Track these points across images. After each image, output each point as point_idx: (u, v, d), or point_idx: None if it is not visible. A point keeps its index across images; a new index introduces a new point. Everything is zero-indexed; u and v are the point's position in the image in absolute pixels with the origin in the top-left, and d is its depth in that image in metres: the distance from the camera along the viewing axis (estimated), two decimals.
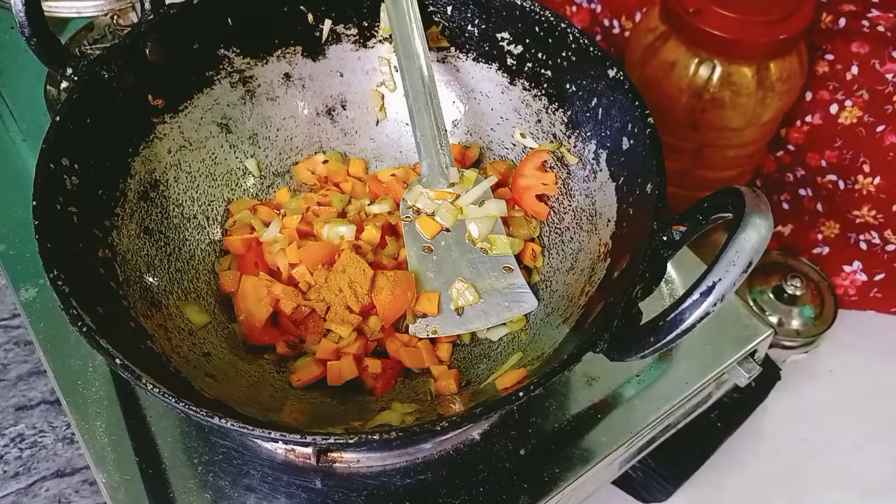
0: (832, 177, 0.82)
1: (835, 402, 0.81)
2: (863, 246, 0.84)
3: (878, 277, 0.85)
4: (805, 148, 0.80)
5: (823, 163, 0.81)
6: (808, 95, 0.82)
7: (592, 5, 0.94)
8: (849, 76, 0.79)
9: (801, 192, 0.86)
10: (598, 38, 0.96)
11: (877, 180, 0.79)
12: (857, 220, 0.81)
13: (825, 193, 0.83)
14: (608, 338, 0.47)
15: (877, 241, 0.82)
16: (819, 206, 0.85)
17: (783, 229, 0.89)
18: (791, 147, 0.79)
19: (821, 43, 0.81)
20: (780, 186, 0.87)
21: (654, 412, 0.62)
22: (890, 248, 0.82)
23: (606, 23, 0.93)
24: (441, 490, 0.57)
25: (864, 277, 0.85)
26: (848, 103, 0.79)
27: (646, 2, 0.88)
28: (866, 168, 0.79)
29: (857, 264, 0.85)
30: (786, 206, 0.88)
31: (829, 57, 0.80)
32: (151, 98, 0.62)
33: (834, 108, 0.81)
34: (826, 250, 0.87)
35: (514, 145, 0.68)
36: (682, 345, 0.66)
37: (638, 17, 0.90)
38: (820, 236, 0.86)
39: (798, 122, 0.83)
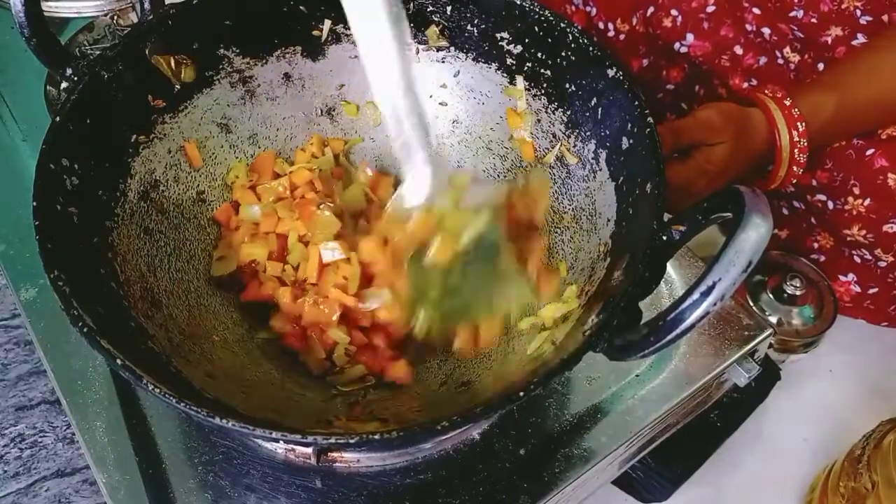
0: (822, 196, 0.82)
1: (835, 403, 0.81)
2: (857, 259, 0.84)
3: (871, 291, 0.85)
4: None
5: (814, 182, 0.81)
6: None
7: (588, 8, 0.94)
8: None
9: (796, 204, 0.86)
10: None
11: (867, 202, 0.79)
12: (849, 238, 0.82)
13: (816, 211, 0.84)
14: (608, 338, 0.47)
15: (869, 256, 0.82)
16: (813, 220, 0.85)
17: (780, 233, 0.89)
18: None
19: (813, 73, 0.81)
20: (778, 193, 0.87)
21: (654, 412, 0.62)
22: (882, 263, 0.82)
23: (602, 26, 0.93)
24: (441, 490, 0.57)
25: (858, 289, 0.85)
26: None
27: (640, 5, 0.88)
28: (856, 190, 0.79)
29: (851, 276, 0.85)
30: (785, 211, 0.88)
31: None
32: (151, 98, 0.62)
33: None
34: (822, 258, 0.87)
35: (515, 145, 0.68)
36: (682, 345, 0.66)
37: (634, 20, 0.89)
38: (816, 245, 0.86)
39: None
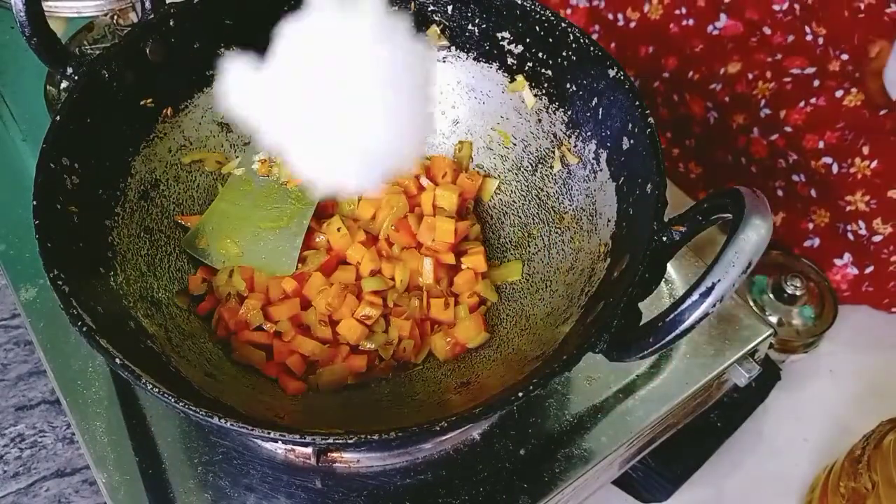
0: (827, 159, 0.82)
1: (835, 403, 0.81)
2: (850, 237, 0.83)
3: (868, 270, 0.85)
4: (804, 129, 0.80)
5: (821, 144, 0.82)
6: (816, 83, 0.83)
7: (595, 2, 0.94)
8: (858, 74, 0.81)
9: (795, 177, 0.86)
10: (596, 36, 0.96)
11: (874, 164, 0.79)
12: (848, 208, 0.81)
13: (818, 178, 0.83)
14: (608, 338, 0.47)
15: (863, 231, 0.82)
16: (812, 192, 0.85)
17: (775, 218, 0.89)
18: (788, 129, 0.79)
19: (840, 43, 0.82)
20: (774, 173, 0.87)
21: (654, 412, 0.62)
22: (877, 238, 0.82)
23: (610, 17, 0.93)
24: (441, 490, 0.57)
25: (855, 271, 0.85)
26: (853, 90, 0.79)
27: None
28: (865, 150, 0.79)
29: (847, 257, 0.85)
30: (780, 192, 0.88)
31: (845, 57, 0.81)
32: (151, 98, 0.62)
33: (839, 93, 0.82)
34: (817, 242, 0.87)
35: (515, 145, 0.68)
36: (682, 345, 0.66)
37: (647, 7, 0.90)
38: (811, 225, 0.86)
39: (801, 104, 0.83)
